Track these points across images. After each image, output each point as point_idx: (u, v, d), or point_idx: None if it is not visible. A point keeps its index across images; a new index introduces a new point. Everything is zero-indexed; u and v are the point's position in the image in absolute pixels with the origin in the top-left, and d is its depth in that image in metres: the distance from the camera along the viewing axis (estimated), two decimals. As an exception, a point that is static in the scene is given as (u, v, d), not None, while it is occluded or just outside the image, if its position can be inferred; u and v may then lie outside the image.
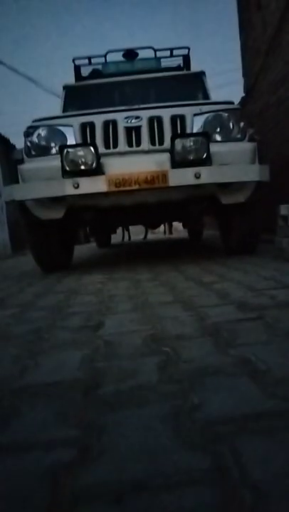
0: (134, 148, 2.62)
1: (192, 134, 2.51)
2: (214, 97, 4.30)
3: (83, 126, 2.67)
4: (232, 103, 2.85)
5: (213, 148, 2.52)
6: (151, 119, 2.65)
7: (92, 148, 2.45)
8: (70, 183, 2.44)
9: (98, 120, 2.66)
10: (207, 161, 2.46)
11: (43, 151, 2.72)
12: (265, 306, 1.24)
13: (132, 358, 0.85)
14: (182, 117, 2.68)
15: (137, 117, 2.66)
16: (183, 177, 2.45)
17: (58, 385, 0.74)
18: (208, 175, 2.45)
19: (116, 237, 7.00)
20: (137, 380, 0.72)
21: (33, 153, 2.73)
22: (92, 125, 2.67)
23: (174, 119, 2.67)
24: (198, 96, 4.15)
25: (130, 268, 2.77)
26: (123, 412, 0.60)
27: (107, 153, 2.61)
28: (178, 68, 4.38)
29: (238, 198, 2.68)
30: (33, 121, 2.87)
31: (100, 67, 4.48)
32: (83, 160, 2.44)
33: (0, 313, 1.54)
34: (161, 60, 4.38)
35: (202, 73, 4.15)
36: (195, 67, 4.34)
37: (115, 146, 2.63)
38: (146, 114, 2.65)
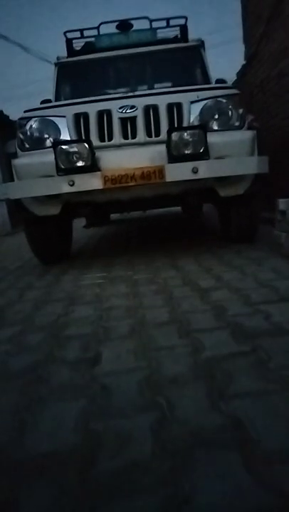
0: (130, 141, 2.55)
1: (189, 127, 2.43)
2: (213, 66, 4.12)
3: (77, 117, 2.59)
4: (231, 88, 2.74)
5: (211, 138, 2.45)
6: (146, 108, 2.56)
7: (86, 145, 2.38)
8: (65, 181, 2.40)
9: (92, 110, 2.57)
10: (204, 155, 2.39)
11: (37, 144, 2.65)
12: (259, 333, 1.25)
13: (127, 416, 0.87)
14: (179, 105, 2.58)
15: (132, 107, 2.56)
16: (180, 172, 2.40)
17: (53, 457, 0.76)
18: (205, 169, 2.40)
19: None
20: (131, 453, 0.75)
21: (27, 146, 2.66)
22: (85, 116, 2.58)
23: (170, 107, 2.57)
24: (196, 71, 3.99)
25: (128, 262, 2.77)
26: (117, 503, 0.63)
27: (101, 146, 2.54)
28: (175, 40, 4.16)
29: (237, 191, 2.64)
30: (24, 112, 2.78)
31: (93, 40, 4.27)
32: (78, 156, 2.39)
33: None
34: (158, 31, 4.17)
35: (200, 45, 3.96)
36: (193, 35, 4.11)
37: (110, 138, 2.56)
38: (141, 103, 2.56)
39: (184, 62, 4.02)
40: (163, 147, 2.44)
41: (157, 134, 2.55)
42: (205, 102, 2.62)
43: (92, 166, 2.39)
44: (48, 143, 2.62)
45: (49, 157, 2.45)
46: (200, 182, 2.54)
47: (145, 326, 1.43)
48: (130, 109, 2.56)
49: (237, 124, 2.62)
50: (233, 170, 2.46)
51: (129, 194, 2.59)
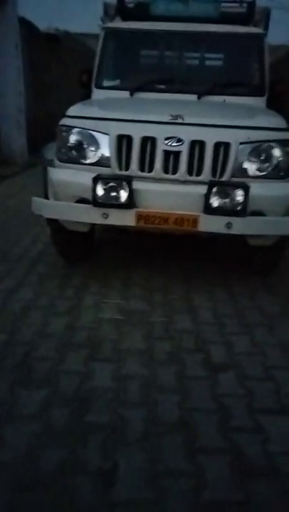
0: (170, 176, 2.50)
1: (232, 184, 2.38)
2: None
3: (120, 139, 2.50)
4: (286, 130, 2.60)
5: (253, 188, 2.42)
6: (192, 144, 2.46)
7: (126, 184, 2.36)
8: (100, 213, 2.43)
9: (136, 135, 2.48)
10: (241, 213, 2.38)
11: (76, 157, 2.61)
12: (252, 493, 1.45)
13: None
14: (227, 145, 2.48)
15: (178, 140, 2.46)
16: (213, 225, 2.43)
17: None
18: (240, 226, 2.41)
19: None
20: None
21: (65, 157, 2.61)
22: (129, 139, 2.49)
23: (217, 146, 2.47)
24: (253, 65, 3.69)
25: (145, 284, 2.87)
26: None
27: (140, 176, 2.50)
28: (239, 16, 3.75)
29: (265, 242, 2.67)
30: (66, 115, 2.68)
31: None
32: (116, 194, 2.37)
33: None
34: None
35: (264, 35, 3.60)
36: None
37: (150, 169, 2.50)
38: (188, 137, 2.46)
39: (243, 51, 3.70)
40: (202, 190, 2.41)
41: (199, 173, 2.48)
42: (255, 145, 2.52)
43: (129, 204, 2.39)
44: (89, 157, 2.58)
45: (87, 178, 2.43)
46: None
47: (157, 427, 1.62)
48: (176, 142, 2.46)
49: (283, 173, 2.55)
50: (269, 230, 2.48)
51: (160, 230, 2.61)
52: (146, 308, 2.55)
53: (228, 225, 2.39)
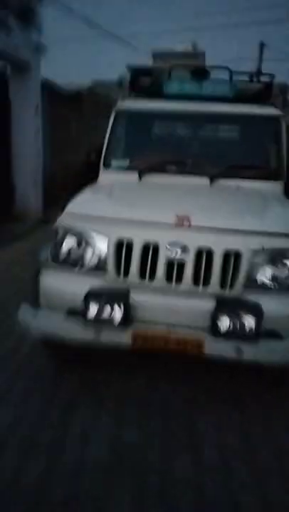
0: (173, 286, 2.21)
1: (243, 306, 2.07)
2: None
3: (119, 243, 2.25)
4: None
5: (267, 304, 2.10)
6: (199, 251, 2.19)
7: (122, 300, 2.08)
8: (92, 331, 2.15)
9: (138, 238, 2.22)
10: (253, 338, 2.05)
11: (70, 261, 2.36)
12: None
13: None
14: (237, 254, 2.19)
15: (183, 248, 2.19)
16: (221, 349, 2.11)
17: None
18: (252, 353, 2.08)
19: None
20: None
21: (59, 260, 2.38)
22: (129, 243, 2.24)
23: (227, 254, 2.19)
24: (271, 148, 3.47)
25: (139, 417, 2.44)
26: None
27: (140, 286, 2.22)
28: (255, 97, 3.59)
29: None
30: (65, 214, 2.47)
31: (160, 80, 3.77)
32: (110, 313, 2.09)
33: None
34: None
35: (282, 116, 3.40)
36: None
37: (152, 277, 2.22)
38: (194, 244, 2.18)
39: (259, 132, 3.51)
40: (208, 306, 2.11)
41: (206, 284, 2.19)
42: (270, 254, 2.23)
43: (124, 323, 2.10)
44: (85, 261, 2.33)
45: (82, 288, 2.16)
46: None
47: None
48: (181, 249, 2.19)
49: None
50: (283, 357, 2.14)
51: (160, 351, 2.30)
52: (140, 440, 2.18)
53: (238, 351, 2.06)
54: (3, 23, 5.99)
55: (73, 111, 9.53)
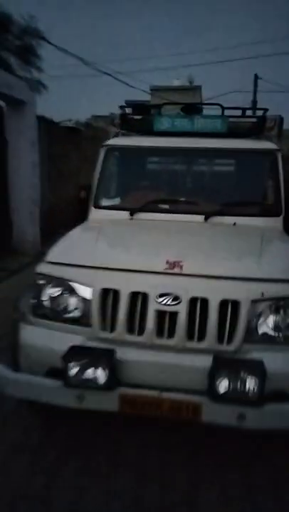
0: (165, 341, 1.98)
1: (244, 363, 1.85)
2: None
3: (105, 293, 2.05)
4: None
5: (271, 361, 1.87)
6: (193, 301, 1.98)
7: (106, 360, 1.86)
8: (73, 395, 1.91)
9: (125, 289, 2.01)
10: (257, 402, 1.81)
11: (52, 314, 2.15)
12: None
13: None
14: (235, 303, 1.98)
15: (174, 298, 1.98)
16: (221, 415, 1.85)
17: None
18: (254, 420, 1.83)
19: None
20: None
21: (40, 312, 2.17)
22: (116, 294, 2.04)
23: (223, 304, 1.98)
24: (267, 183, 3.32)
25: (131, 487, 2.12)
26: None
27: (127, 341, 2.00)
28: (247, 132, 3.49)
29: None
30: (46, 261, 2.28)
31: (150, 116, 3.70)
32: (94, 377, 1.86)
33: None
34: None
35: (276, 150, 3.26)
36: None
37: (140, 331, 2.00)
38: (187, 293, 1.97)
39: (255, 167, 3.36)
40: (205, 364, 1.87)
41: (201, 338, 1.97)
42: (272, 303, 2.02)
43: (109, 386, 1.87)
44: (68, 314, 2.13)
45: (62, 346, 1.94)
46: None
47: None
48: (172, 301, 1.98)
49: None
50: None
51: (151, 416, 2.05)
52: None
53: (241, 417, 1.82)
54: (3, 62, 6.05)
55: (72, 145, 9.59)
